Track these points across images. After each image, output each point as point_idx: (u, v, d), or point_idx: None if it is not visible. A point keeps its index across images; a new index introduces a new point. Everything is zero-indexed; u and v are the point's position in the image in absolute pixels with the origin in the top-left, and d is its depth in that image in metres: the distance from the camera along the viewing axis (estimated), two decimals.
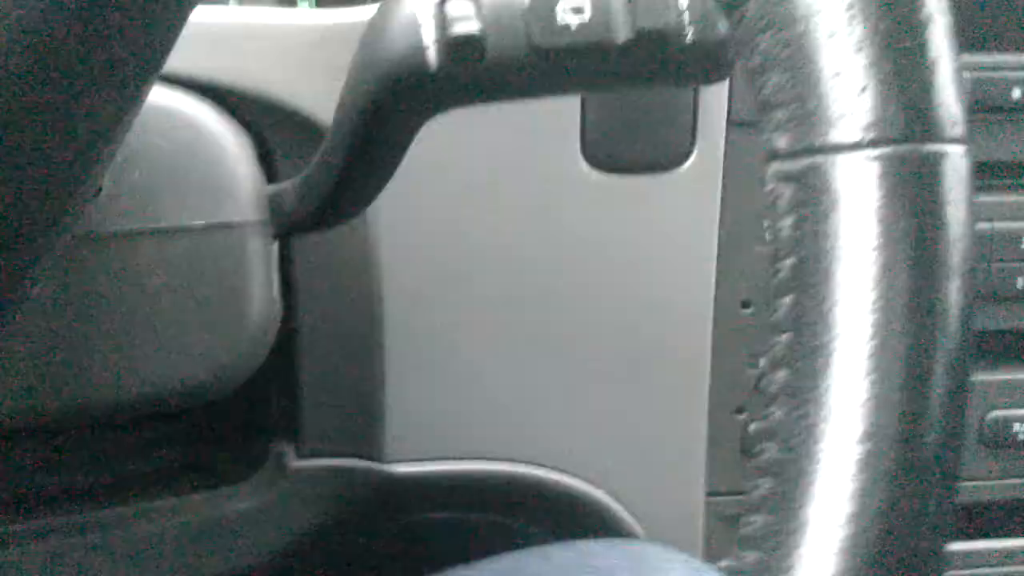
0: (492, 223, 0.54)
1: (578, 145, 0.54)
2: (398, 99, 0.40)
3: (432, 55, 0.39)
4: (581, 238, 0.54)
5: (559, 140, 0.53)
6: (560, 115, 0.53)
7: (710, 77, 0.43)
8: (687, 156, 0.54)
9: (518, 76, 0.40)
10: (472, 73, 0.40)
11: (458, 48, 0.39)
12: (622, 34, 0.39)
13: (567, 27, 0.39)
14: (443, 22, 0.39)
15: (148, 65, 0.30)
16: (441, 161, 0.52)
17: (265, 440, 0.56)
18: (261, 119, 0.49)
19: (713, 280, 0.56)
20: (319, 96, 0.50)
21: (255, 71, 0.50)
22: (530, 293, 0.55)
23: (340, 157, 0.43)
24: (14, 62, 0.25)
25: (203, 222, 0.45)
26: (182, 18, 0.31)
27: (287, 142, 0.50)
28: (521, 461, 0.56)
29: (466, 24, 0.39)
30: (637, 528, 0.57)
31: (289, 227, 0.46)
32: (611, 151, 0.54)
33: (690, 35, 0.40)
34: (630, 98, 0.54)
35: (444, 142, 0.49)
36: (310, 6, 0.60)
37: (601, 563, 0.49)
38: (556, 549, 0.50)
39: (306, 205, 0.45)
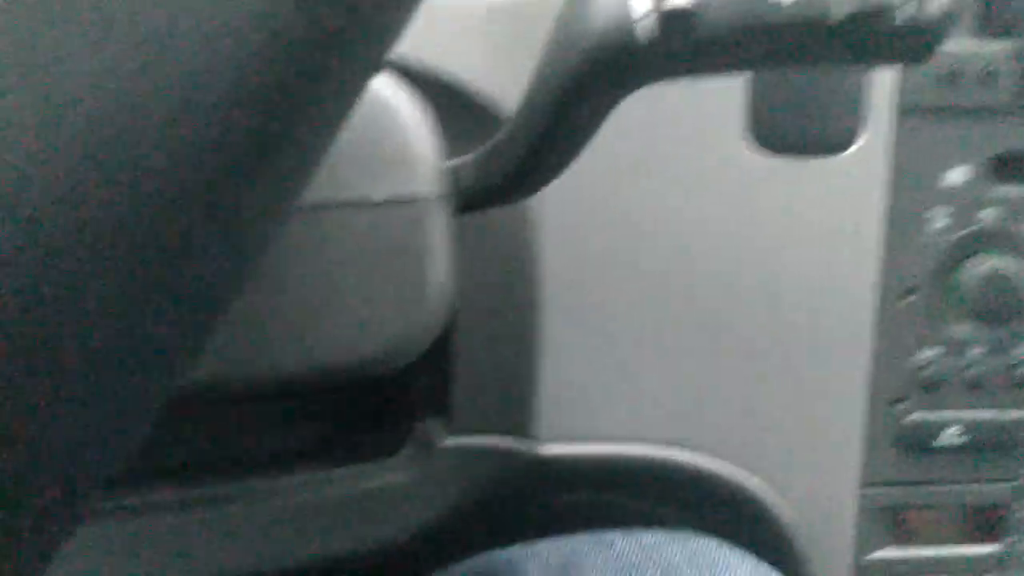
0: (653, 203, 0.53)
1: (743, 125, 0.53)
2: (603, 73, 0.39)
3: (642, 28, 0.38)
4: (743, 219, 0.53)
5: (724, 120, 0.52)
6: (725, 94, 0.52)
7: (916, 57, 0.41)
8: (853, 139, 0.53)
9: (727, 52, 0.39)
10: (682, 48, 0.39)
11: (670, 22, 0.38)
12: (835, 14, 0.38)
13: (779, 4, 0.38)
14: None
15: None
16: (604, 141, 0.51)
17: (411, 416, 0.55)
18: (433, 94, 0.49)
19: (876, 266, 0.54)
20: (487, 72, 0.49)
21: (428, 47, 0.49)
22: (687, 275, 0.54)
23: (531, 132, 0.42)
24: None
25: (386, 195, 0.44)
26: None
27: (454, 118, 0.49)
28: (673, 445, 0.55)
29: None
30: (788, 516, 0.56)
31: (467, 203, 0.46)
32: (776, 132, 0.53)
33: (901, 15, 0.39)
34: (798, 79, 0.53)
35: (607, 121, 0.48)
36: None
37: (662, 557, 0.48)
38: (618, 537, 0.50)
39: (487, 181, 0.45)
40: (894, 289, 0.55)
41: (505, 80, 0.50)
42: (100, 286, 0.23)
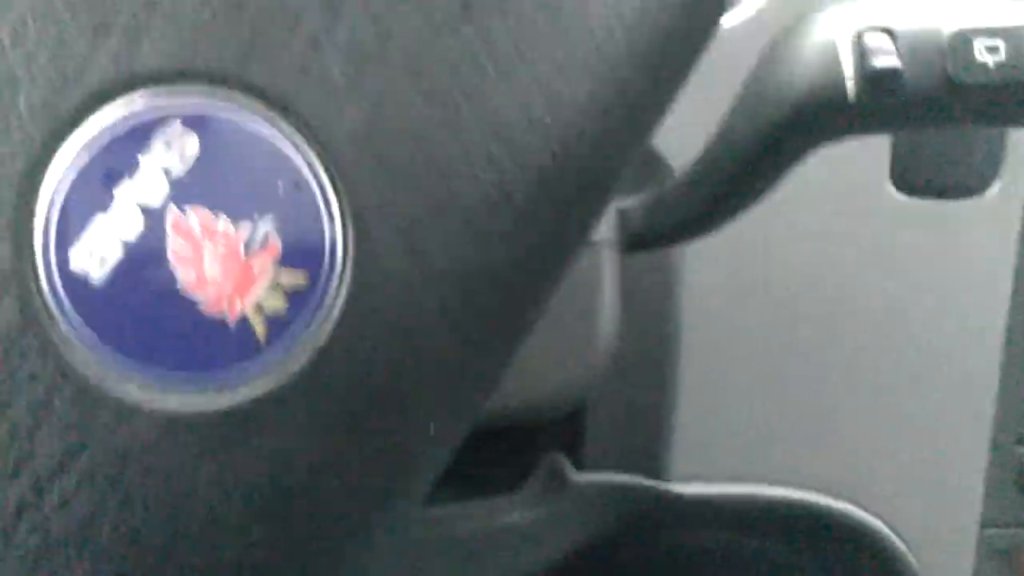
0: (793, 242, 0.53)
1: (887, 167, 0.53)
2: (807, 126, 0.40)
3: (849, 86, 0.38)
4: (879, 260, 0.53)
5: (869, 161, 0.52)
6: (870, 137, 0.52)
7: None
8: (990, 182, 0.53)
9: (931, 109, 0.39)
10: (887, 105, 0.39)
11: (878, 81, 0.38)
12: None
13: (985, 65, 0.39)
14: (863, 54, 0.38)
15: None
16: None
17: (538, 450, 0.55)
18: None
19: (1006, 308, 0.55)
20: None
21: None
22: (824, 315, 0.54)
23: (716, 179, 0.42)
24: None
25: None
26: None
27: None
28: (803, 486, 0.55)
29: (886, 58, 0.38)
30: (910, 558, 0.56)
31: (633, 244, 0.46)
32: (918, 174, 0.53)
33: None
34: None
35: None
36: None
37: None
38: None
39: (659, 224, 0.45)
40: (1022, 330, 0.55)
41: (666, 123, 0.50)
42: None
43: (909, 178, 0.53)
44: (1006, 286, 0.55)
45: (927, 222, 0.54)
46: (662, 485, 0.54)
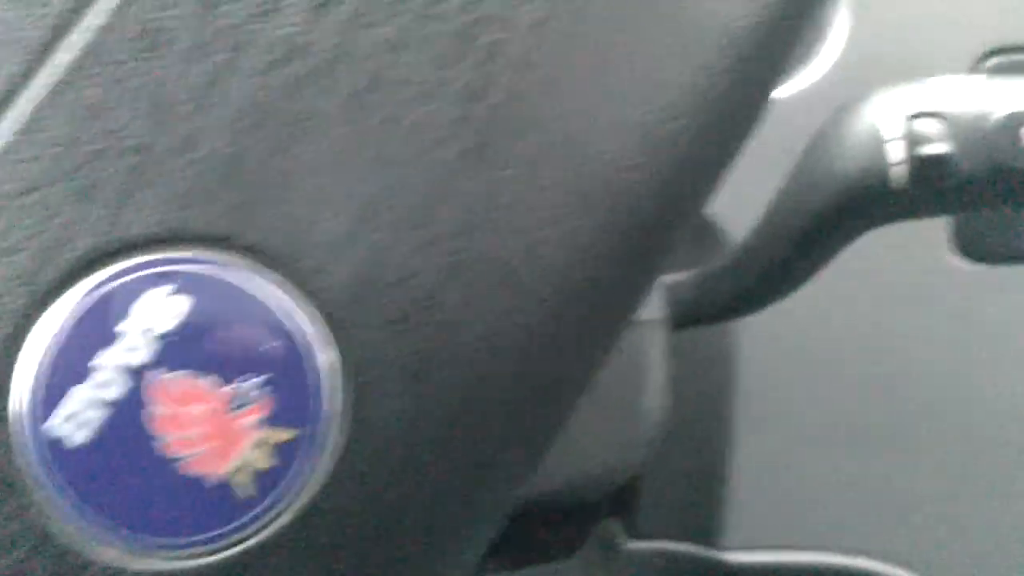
0: (856, 312, 0.52)
1: (947, 234, 0.51)
2: (853, 212, 0.39)
3: (896, 172, 0.37)
4: (941, 328, 0.52)
5: (929, 228, 0.51)
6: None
7: None
8: None
9: (976, 193, 0.38)
10: (934, 191, 0.38)
11: (925, 168, 0.37)
12: None
13: None
14: (913, 139, 0.37)
15: None
16: None
17: (592, 516, 0.55)
18: None
19: None
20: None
21: None
22: (883, 384, 0.53)
23: (765, 259, 0.41)
24: None
25: None
26: None
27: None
28: (858, 554, 0.54)
29: (936, 145, 0.37)
30: None
31: (685, 320, 0.45)
32: (979, 240, 0.52)
33: None
34: None
35: None
36: None
37: None
38: None
39: (708, 301, 0.44)
40: None
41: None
42: None
43: (971, 245, 0.52)
44: None
45: (989, 288, 0.52)
46: (716, 554, 0.53)
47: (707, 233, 0.50)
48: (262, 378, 0.22)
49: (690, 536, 0.53)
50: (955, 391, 0.53)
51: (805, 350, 0.52)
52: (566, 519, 0.56)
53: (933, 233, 0.51)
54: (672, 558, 0.53)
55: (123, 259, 0.22)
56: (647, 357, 0.44)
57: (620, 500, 0.54)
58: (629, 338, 0.44)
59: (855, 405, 0.53)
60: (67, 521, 0.22)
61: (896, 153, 0.38)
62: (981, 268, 0.52)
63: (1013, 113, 0.37)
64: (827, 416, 0.53)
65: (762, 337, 0.51)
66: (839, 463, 0.53)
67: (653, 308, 0.44)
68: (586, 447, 0.44)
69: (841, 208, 0.39)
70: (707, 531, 0.53)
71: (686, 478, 0.53)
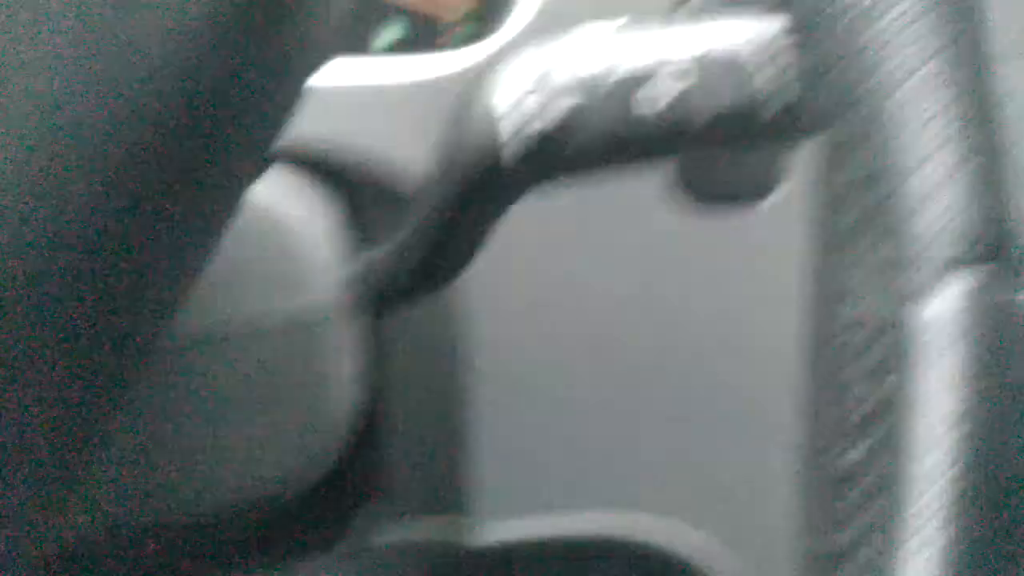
0: (584, 270, 0.53)
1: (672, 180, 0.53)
2: (477, 190, 0.40)
3: (508, 151, 0.38)
4: (665, 279, 0.54)
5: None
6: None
7: (797, 141, 0.41)
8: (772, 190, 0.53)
9: (595, 163, 0.39)
10: (549, 166, 0.39)
11: (536, 145, 0.38)
12: (697, 120, 0.38)
13: (644, 117, 0.38)
14: (521, 118, 0.38)
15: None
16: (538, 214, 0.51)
17: (347, 510, 0.55)
18: (352, 180, 0.49)
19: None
20: (405, 154, 0.49)
21: (343, 130, 0.50)
22: (608, 332, 0.54)
23: (425, 232, 0.42)
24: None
25: (274, 321, 0.44)
26: None
27: (382, 203, 0.50)
28: (619, 508, 0.56)
29: (546, 118, 0.38)
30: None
31: (379, 304, 0.46)
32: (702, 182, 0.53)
33: (771, 109, 0.39)
34: None
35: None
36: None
37: None
38: None
39: (393, 277, 0.45)
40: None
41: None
42: None
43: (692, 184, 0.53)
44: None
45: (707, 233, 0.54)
46: (469, 534, 0.54)
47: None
48: None
49: (448, 509, 0.54)
50: (684, 336, 0.55)
51: (533, 306, 0.53)
52: (320, 512, 0.57)
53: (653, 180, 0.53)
54: (428, 546, 0.54)
55: None
56: (323, 354, 0.44)
57: (356, 491, 0.54)
58: (301, 337, 0.45)
59: (584, 357, 0.55)
60: None
61: (507, 131, 0.38)
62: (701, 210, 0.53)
63: (625, 78, 0.36)
64: (563, 371, 0.55)
65: (486, 297, 0.52)
66: (585, 424, 0.55)
67: (325, 302, 0.45)
68: (258, 459, 0.44)
69: (467, 187, 0.39)
70: (463, 503, 0.54)
71: (435, 454, 0.54)
